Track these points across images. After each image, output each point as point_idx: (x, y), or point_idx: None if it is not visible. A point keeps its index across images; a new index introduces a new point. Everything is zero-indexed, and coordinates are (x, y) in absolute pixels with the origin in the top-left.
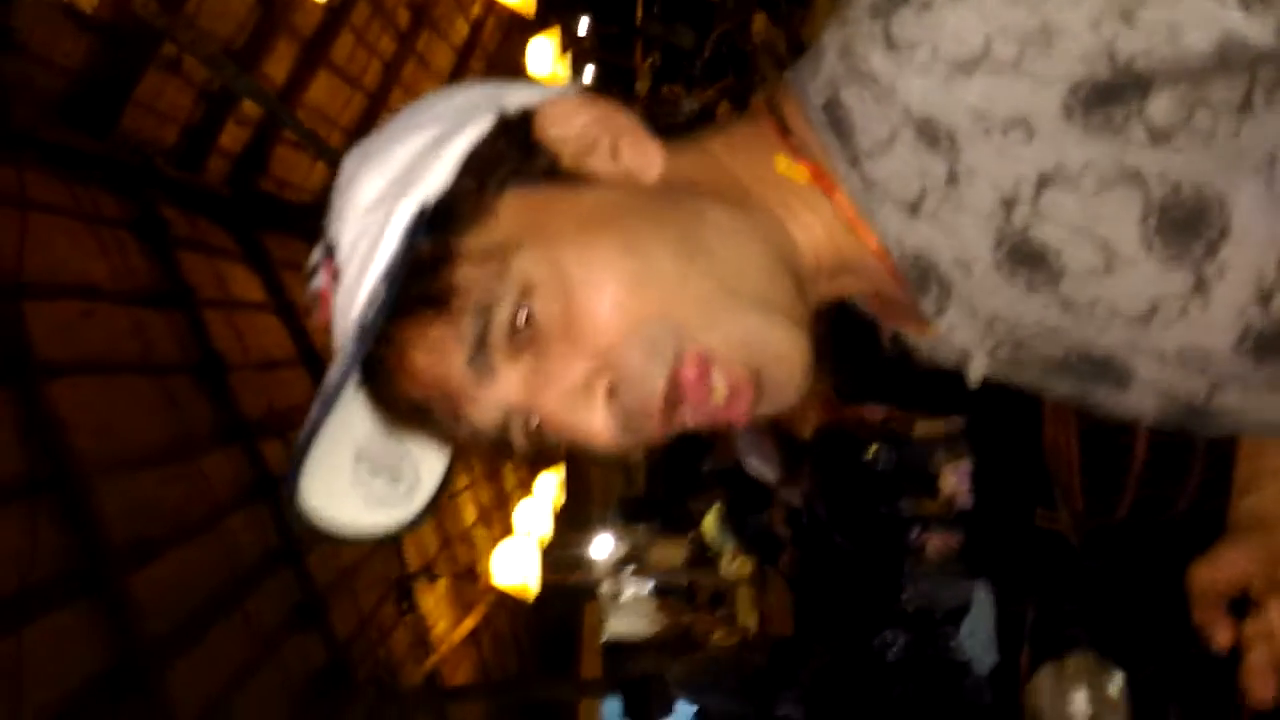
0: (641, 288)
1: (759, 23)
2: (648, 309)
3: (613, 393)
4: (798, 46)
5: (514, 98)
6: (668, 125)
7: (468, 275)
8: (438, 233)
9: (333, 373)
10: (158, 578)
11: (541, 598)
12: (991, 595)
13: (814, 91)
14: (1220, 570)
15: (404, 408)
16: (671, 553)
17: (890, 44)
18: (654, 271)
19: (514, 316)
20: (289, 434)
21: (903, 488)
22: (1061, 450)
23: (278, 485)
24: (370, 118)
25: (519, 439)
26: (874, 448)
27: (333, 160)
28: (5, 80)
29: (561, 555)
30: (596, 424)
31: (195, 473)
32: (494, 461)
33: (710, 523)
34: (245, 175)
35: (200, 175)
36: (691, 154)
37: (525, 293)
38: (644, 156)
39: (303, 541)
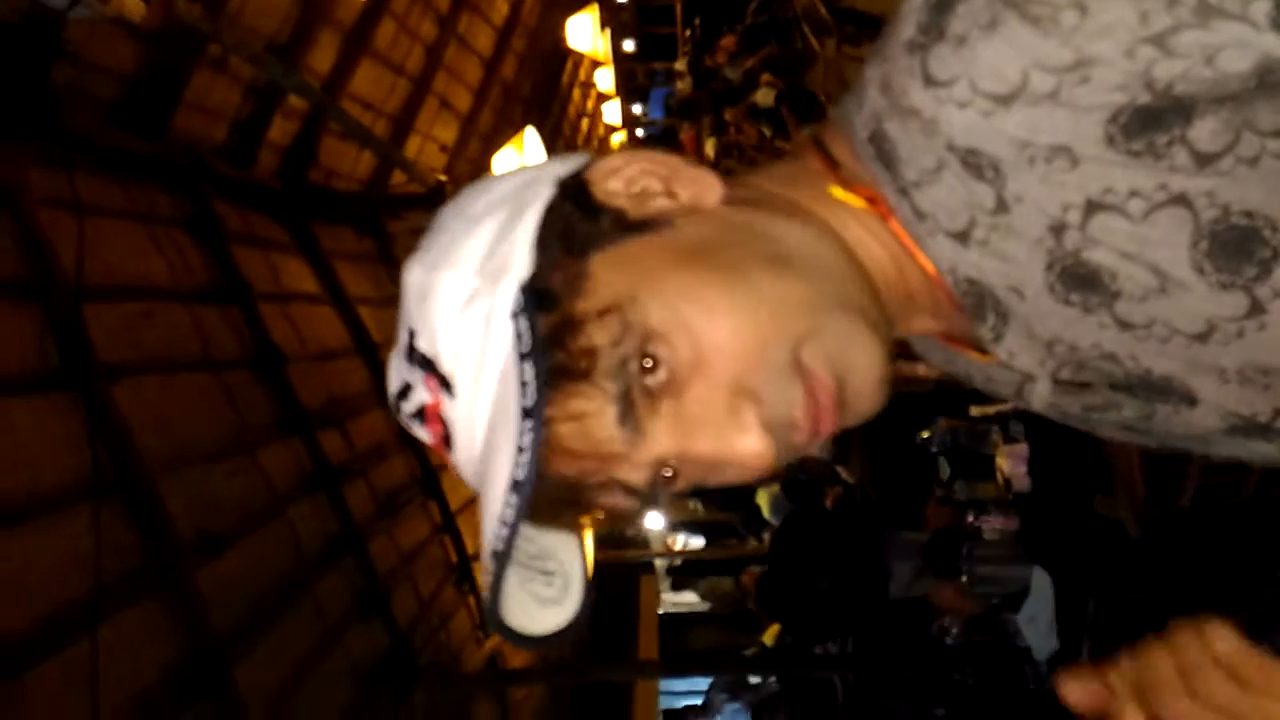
0: (756, 310)
1: None
2: (767, 329)
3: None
4: (839, 13)
5: (560, 168)
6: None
7: (596, 337)
8: (547, 308)
9: (512, 470)
10: (224, 571)
11: (597, 575)
12: (1050, 581)
13: (860, 125)
14: None
15: (551, 491)
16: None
17: (928, 80)
18: (761, 292)
19: (642, 366)
20: (347, 423)
21: (958, 470)
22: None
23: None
24: (414, 103)
25: (664, 489)
26: (929, 430)
27: (378, 149)
28: (60, 89)
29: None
30: (756, 446)
31: (256, 466)
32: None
33: (764, 500)
34: (295, 167)
35: (251, 170)
36: (744, 188)
37: (648, 340)
38: (700, 186)
39: (363, 528)
